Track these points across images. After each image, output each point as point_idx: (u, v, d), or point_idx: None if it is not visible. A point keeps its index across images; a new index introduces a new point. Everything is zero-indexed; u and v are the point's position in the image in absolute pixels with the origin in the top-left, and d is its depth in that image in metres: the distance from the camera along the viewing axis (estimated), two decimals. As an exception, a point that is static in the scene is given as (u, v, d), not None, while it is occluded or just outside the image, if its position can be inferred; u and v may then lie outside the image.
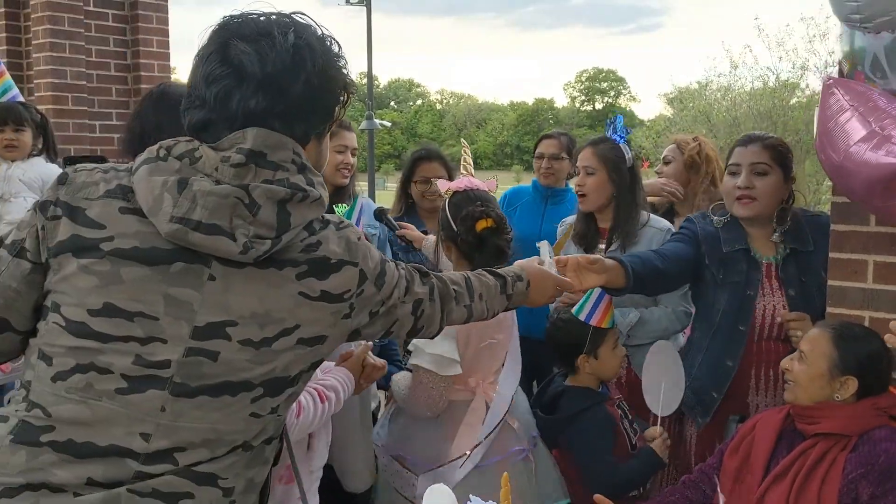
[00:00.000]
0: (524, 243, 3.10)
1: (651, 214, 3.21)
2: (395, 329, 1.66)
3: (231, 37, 1.41)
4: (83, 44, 5.04)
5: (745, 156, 2.77)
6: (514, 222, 3.40)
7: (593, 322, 2.66)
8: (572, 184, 3.33)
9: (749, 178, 2.73)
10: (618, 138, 3.16)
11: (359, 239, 1.51)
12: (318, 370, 2.09)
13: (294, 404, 1.87)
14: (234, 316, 1.36)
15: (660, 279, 2.69)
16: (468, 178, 2.68)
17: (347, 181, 3.40)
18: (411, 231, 3.11)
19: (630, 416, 2.83)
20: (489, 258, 2.52)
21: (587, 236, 3.21)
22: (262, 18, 1.44)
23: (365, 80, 23.21)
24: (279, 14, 1.46)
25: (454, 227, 2.56)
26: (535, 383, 3.79)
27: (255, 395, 1.40)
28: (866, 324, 2.53)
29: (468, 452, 2.48)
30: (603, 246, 3.20)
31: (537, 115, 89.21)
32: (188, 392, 1.35)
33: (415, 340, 2.53)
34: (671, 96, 26.07)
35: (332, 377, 2.15)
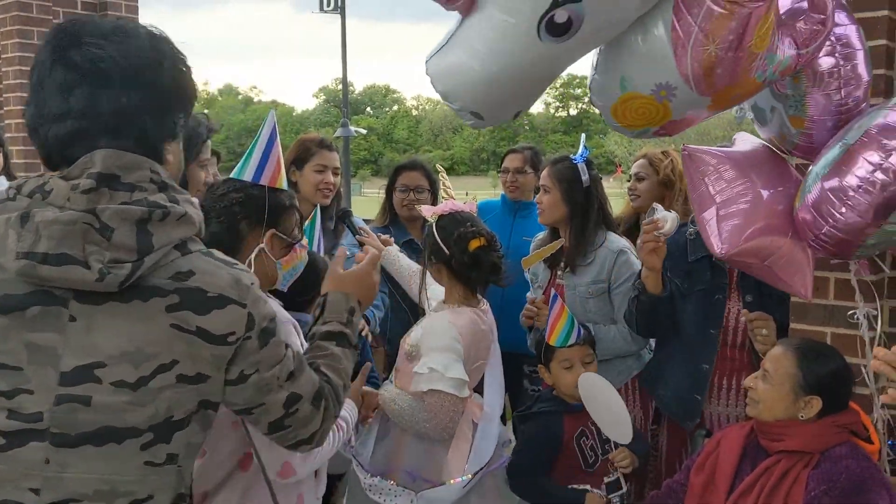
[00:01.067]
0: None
1: (609, 234, 3.23)
2: (254, 415, 1.48)
3: (76, 40, 1.32)
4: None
5: None
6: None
7: (547, 336, 2.77)
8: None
9: None
10: (576, 158, 3.19)
11: (252, 284, 1.40)
12: None
13: None
14: (103, 357, 1.28)
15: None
16: (451, 202, 2.77)
17: (329, 201, 3.41)
18: (372, 239, 3.13)
19: (604, 437, 2.79)
20: (485, 275, 2.63)
21: (553, 254, 3.23)
22: (100, 20, 1.37)
23: (340, 87, 23.27)
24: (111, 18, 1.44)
25: (446, 249, 2.62)
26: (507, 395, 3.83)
27: (145, 441, 1.32)
28: (828, 340, 2.59)
29: (470, 476, 2.54)
30: (563, 263, 3.25)
31: (513, 122, 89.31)
32: (69, 442, 1.29)
33: (426, 362, 2.52)
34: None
35: (344, 411, 2.15)
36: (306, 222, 3.07)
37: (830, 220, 2.07)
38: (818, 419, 2.24)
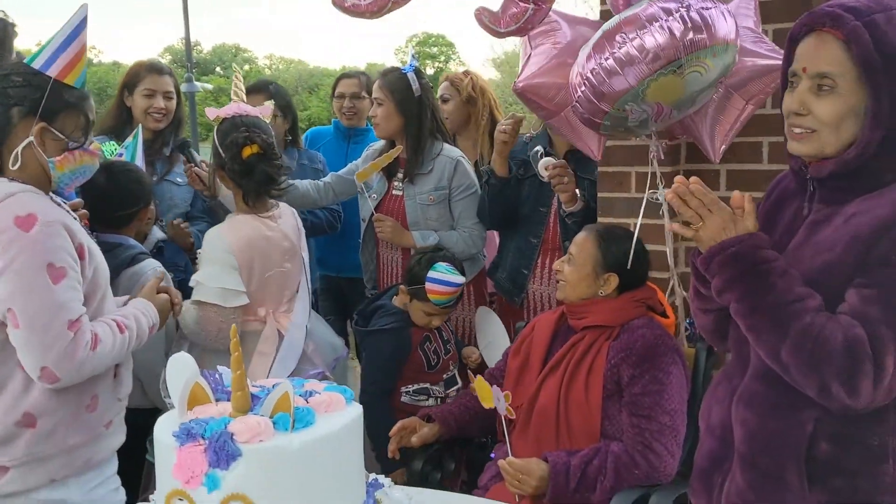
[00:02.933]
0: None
1: (444, 143, 3.34)
2: None
3: None
4: None
5: None
6: (318, 163, 3.43)
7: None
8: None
9: None
10: (405, 69, 3.23)
11: None
12: (113, 304, 2.07)
13: (89, 336, 1.86)
14: None
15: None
16: (238, 104, 2.64)
17: (161, 125, 3.31)
18: (199, 169, 3.07)
19: (444, 336, 2.94)
20: (258, 185, 2.56)
21: (389, 164, 3.27)
22: None
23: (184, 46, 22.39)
24: None
25: (222, 154, 2.55)
26: (349, 322, 3.88)
27: None
28: (632, 230, 2.77)
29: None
30: (401, 174, 3.30)
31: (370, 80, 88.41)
32: None
33: (195, 276, 2.54)
34: (499, 60, 26.53)
35: (131, 307, 2.11)
36: (128, 139, 2.98)
37: (576, 94, 2.21)
38: (618, 295, 2.42)
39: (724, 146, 2.46)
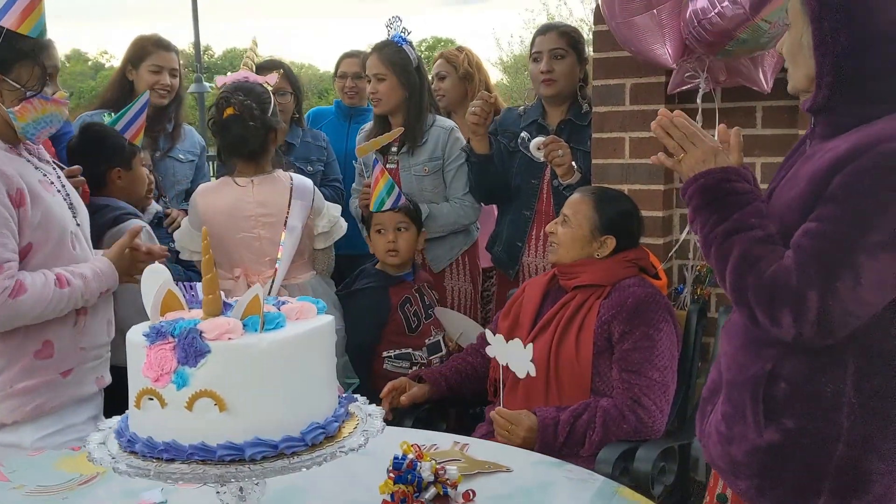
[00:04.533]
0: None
1: (437, 116, 3.35)
2: None
3: None
4: None
5: (544, 43, 3.09)
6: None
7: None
8: (367, 91, 3.38)
9: (549, 62, 3.05)
10: (399, 40, 3.24)
11: None
12: (90, 256, 2.08)
13: (10, 283, 1.84)
14: None
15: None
16: (244, 72, 2.70)
17: (165, 101, 3.34)
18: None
19: (426, 301, 2.96)
20: (231, 145, 2.64)
21: (379, 135, 3.27)
22: None
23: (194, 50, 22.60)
24: None
25: (216, 115, 2.65)
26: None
27: None
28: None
29: None
30: (395, 148, 3.30)
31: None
32: None
33: (176, 232, 2.74)
34: (507, 64, 26.49)
35: (87, 265, 2.08)
36: (110, 116, 2.99)
37: (721, 4, 2.23)
38: (610, 256, 2.41)
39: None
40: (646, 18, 2.41)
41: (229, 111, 2.58)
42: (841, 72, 1.42)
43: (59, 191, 2.06)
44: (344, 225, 2.91)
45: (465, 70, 3.73)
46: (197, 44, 23.21)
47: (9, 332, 1.89)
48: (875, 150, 1.35)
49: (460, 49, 3.86)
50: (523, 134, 3.00)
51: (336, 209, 2.89)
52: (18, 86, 1.93)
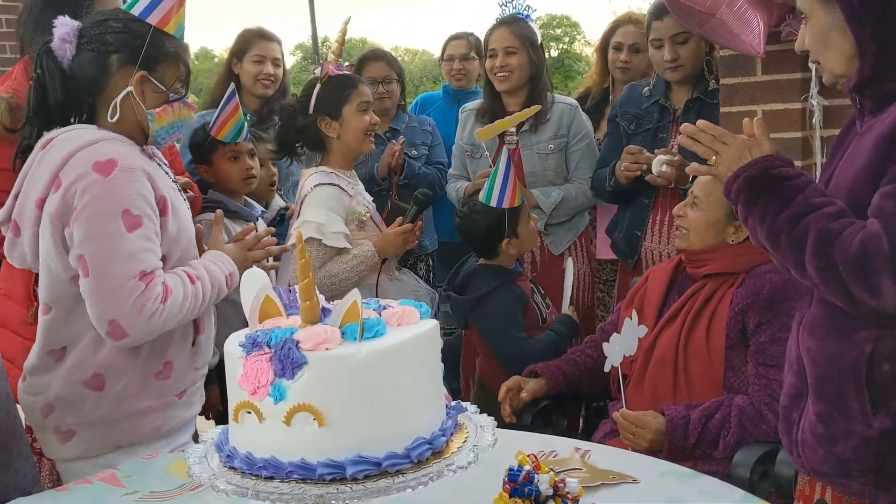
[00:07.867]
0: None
1: (555, 93, 3.25)
2: None
3: None
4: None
5: (662, 29, 2.86)
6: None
7: (506, 204, 2.62)
8: (491, 65, 3.25)
9: (673, 49, 2.84)
10: (525, 16, 3.15)
11: None
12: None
13: (160, 289, 1.72)
14: None
15: None
16: (327, 65, 2.69)
17: (270, 92, 3.36)
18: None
19: (542, 292, 2.85)
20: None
21: (495, 115, 3.14)
22: None
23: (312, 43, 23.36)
24: None
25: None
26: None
27: None
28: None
29: None
30: (514, 127, 3.18)
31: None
32: None
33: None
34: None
35: (198, 260, 1.94)
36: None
37: None
38: (742, 241, 2.22)
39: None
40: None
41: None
42: (882, 38, 1.41)
43: (183, 200, 1.98)
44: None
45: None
46: (314, 35, 23.85)
47: (134, 352, 1.81)
48: None
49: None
50: (663, 167, 2.76)
51: None
52: (163, 88, 1.84)
